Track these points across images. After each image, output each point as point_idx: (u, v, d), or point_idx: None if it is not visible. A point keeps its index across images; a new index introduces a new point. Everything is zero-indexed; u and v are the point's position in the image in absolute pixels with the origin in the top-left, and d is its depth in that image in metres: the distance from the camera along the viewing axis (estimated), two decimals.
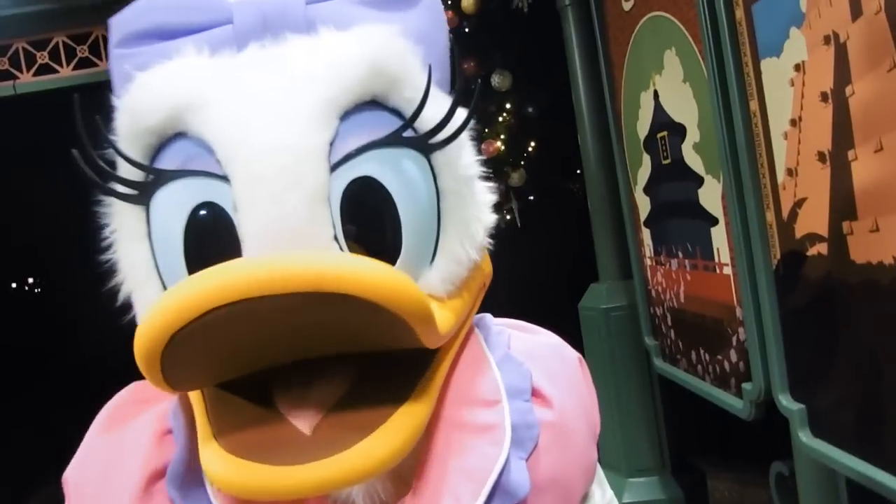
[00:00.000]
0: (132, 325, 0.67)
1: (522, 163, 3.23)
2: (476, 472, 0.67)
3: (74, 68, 3.55)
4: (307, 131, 0.59)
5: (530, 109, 3.23)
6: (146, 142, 0.63)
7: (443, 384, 0.69)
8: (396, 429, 0.59)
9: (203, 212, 0.60)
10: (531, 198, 4.01)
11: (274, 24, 0.65)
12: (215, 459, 0.59)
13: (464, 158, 0.70)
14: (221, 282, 0.52)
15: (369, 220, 0.62)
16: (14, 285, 10.01)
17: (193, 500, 0.66)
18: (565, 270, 3.30)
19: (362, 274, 0.54)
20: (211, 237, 0.60)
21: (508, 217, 3.24)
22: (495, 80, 3.09)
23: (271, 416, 0.60)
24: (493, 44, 3.08)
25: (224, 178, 0.60)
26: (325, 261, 0.54)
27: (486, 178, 0.75)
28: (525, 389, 0.73)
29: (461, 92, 0.66)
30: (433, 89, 0.64)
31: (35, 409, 6.22)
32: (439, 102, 0.64)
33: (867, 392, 1.22)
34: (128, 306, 0.69)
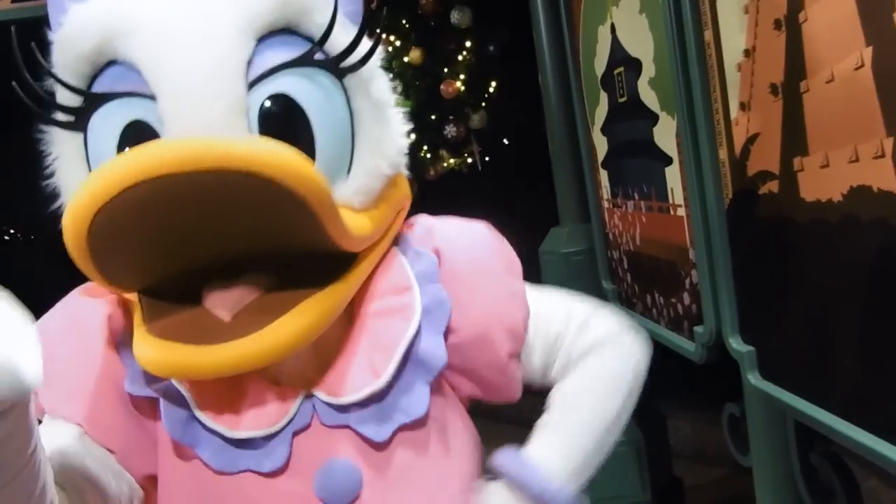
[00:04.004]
0: None
1: (483, 104, 3.14)
2: (388, 343, 0.74)
3: (14, 0, 3.37)
4: (225, 50, 0.65)
5: (491, 48, 3.12)
6: (81, 71, 0.67)
7: (362, 287, 0.76)
8: (310, 309, 0.64)
9: (133, 129, 0.65)
10: (504, 141, 3.93)
11: None
12: (144, 344, 0.65)
13: (376, 84, 0.75)
14: (139, 159, 0.56)
15: (283, 132, 0.65)
16: None
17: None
18: (529, 214, 3.24)
19: (265, 153, 0.57)
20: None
21: (470, 160, 3.16)
22: (454, 16, 2.97)
23: (196, 309, 0.66)
24: None
25: (151, 97, 0.65)
26: (234, 142, 0.58)
27: (399, 108, 0.80)
28: (433, 273, 0.78)
29: (367, 18, 0.72)
30: (345, 21, 0.71)
31: None
32: (350, 32, 0.71)
33: (815, 334, 1.19)
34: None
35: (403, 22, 3.01)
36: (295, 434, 0.72)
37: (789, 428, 1.46)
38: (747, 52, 1.24)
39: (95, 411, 0.72)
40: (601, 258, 2.29)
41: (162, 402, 0.72)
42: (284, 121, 0.67)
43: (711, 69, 1.36)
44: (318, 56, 0.69)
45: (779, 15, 1.13)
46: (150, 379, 0.71)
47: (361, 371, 0.73)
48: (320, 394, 0.73)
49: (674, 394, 3.10)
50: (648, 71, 1.68)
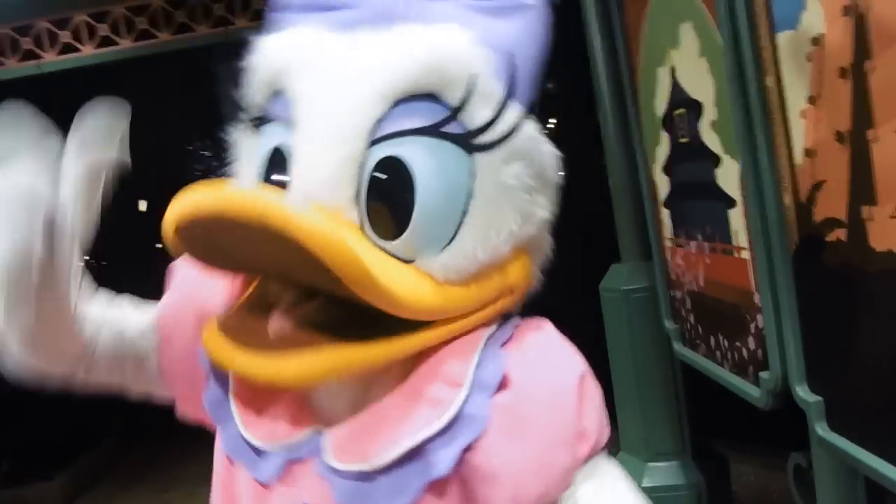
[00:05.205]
0: None
1: None
2: (401, 433, 0.70)
3: (97, 47, 3.56)
4: (358, 109, 0.70)
5: (549, 85, 3.14)
6: (266, 91, 0.77)
7: (420, 360, 0.73)
8: (318, 359, 0.67)
9: (275, 153, 0.74)
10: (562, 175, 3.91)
11: (386, 14, 0.74)
12: (210, 327, 0.75)
13: (512, 168, 0.72)
14: (196, 203, 0.64)
15: (387, 194, 0.69)
16: None
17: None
18: (589, 250, 3.23)
19: (296, 220, 0.60)
20: (277, 173, 0.73)
21: None
22: None
23: (261, 317, 0.72)
24: None
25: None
26: (273, 204, 0.62)
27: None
28: (491, 386, 0.71)
29: (509, 94, 0.71)
30: (502, 97, 0.70)
31: None
32: (507, 111, 0.71)
33: (886, 388, 1.16)
34: None
35: None
36: (290, 462, 0.75)
37: (859, 483, 1.41)
38: (811, 99, 1.23)
39: (177, 329, 0.85)
40: (663, 297, 2.26)
41: (211, 374, 0.82)
42: (391, 184, 0.69)
43: (774, 115, 1.35)
44: (453, 129, 0.69)
45: (844, 63, 1.12)
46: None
47: (368, 444, 0.71)
48: (326, 444, 0.73)
49: (737, 437, 3.01)
50: (710, 114, 1.67)
